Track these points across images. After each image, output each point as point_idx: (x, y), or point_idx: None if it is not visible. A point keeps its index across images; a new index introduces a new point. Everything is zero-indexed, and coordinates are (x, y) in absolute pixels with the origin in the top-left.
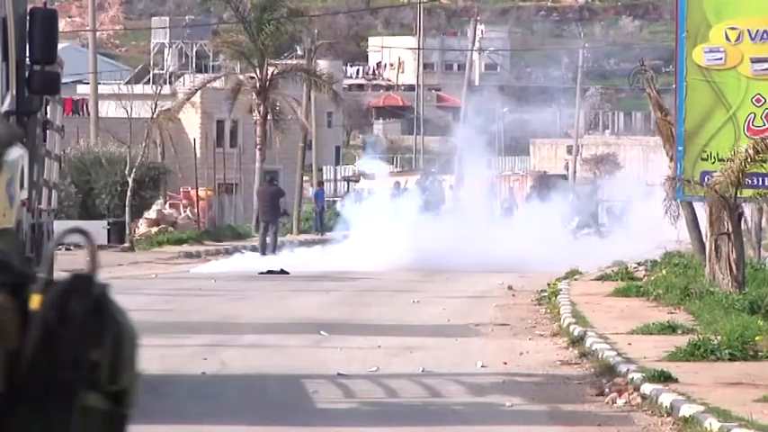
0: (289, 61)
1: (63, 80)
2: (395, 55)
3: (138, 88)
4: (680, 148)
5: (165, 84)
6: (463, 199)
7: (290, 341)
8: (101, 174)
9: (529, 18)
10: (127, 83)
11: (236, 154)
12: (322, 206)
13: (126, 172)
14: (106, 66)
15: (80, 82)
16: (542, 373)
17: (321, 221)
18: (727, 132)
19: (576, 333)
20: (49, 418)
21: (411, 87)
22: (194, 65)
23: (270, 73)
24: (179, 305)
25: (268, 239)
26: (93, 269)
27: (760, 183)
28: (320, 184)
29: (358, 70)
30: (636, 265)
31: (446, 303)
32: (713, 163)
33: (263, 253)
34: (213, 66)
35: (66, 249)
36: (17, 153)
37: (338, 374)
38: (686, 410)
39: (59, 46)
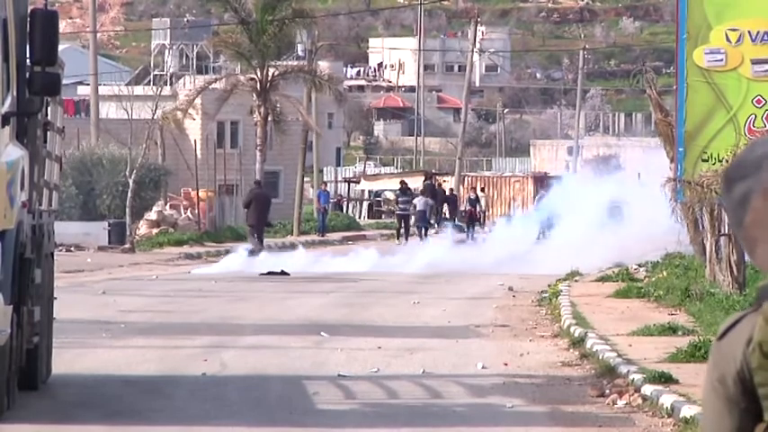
0: (289, 62)
1: (63, 81)
2: (395, 56)
3: (139, 89)
4: (680, 149)
5: (166, 85)
6: None
7: (290, 342)
8: (101, 175)
9: (529, 19)
10: (127, 84)
11: (236, 155)
12: (325, 207)
13: (126, 173)
14: (107, 67)
15: (81, 83)
16: (543, 375)
17: (323, 222)
18: (727, 134)
19: (576, 334)
20: None
21: (411, 88)
22: (195, 66)
23: (270, 74)
24: (179, 306)
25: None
26: None
27: None
28: (324, 184)
29: (358, 71)
30: (636, 267)
31: (446, 305)
32: (714, 164)
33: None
34: (214, 67)
35: (67, 251)
36: (18, 154)
37: (339, 375)
38: (687, 411)
39: (60, 47)
